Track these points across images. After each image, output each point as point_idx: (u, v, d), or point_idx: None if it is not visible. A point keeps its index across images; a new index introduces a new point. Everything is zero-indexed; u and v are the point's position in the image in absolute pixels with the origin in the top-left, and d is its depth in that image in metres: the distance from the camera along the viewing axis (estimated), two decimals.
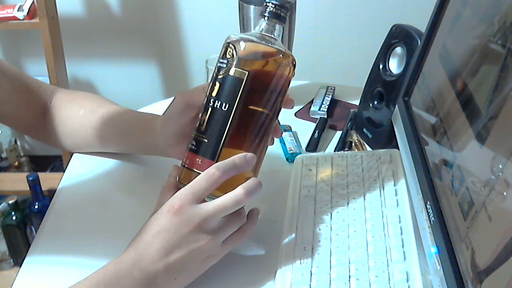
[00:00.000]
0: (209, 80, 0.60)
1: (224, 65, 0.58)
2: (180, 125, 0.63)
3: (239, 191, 0.57)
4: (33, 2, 1.61)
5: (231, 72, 0.57)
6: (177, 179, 0.60)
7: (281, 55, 0.59)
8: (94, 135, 0.76)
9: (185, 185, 0.57)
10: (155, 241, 0.54)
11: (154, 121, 0.70)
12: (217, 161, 0.57)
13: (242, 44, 0.57)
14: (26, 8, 1.60)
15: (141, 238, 0.55)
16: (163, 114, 0.69)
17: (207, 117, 0.58)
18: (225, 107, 0.57)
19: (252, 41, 0.58)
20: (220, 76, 0.58)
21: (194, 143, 0.59)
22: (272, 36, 0.59)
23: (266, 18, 0.59)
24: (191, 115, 0.62)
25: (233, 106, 0.57)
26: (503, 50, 0.50)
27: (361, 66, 0.98)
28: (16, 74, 0.78)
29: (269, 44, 0.58)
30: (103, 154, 0.81)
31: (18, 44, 1.96)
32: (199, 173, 0.57)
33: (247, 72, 0.57)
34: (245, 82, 0.57)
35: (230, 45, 0.58)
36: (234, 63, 0.57)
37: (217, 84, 0.58)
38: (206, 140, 0.58)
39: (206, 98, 0.59)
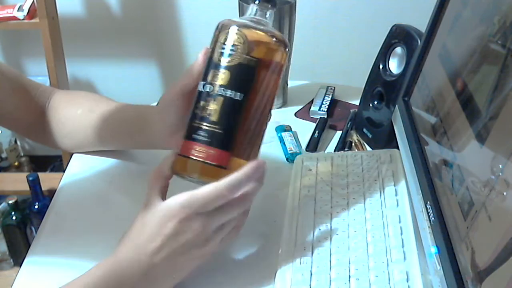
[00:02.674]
0: (208, 65, 0.58)
1: (232, 52, 0.56)
2: (177, 115, 0.63)
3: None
4: (33, 2, 1.61)
5: (242, 60, 0.56)
6: (178, 170, 0.58)
7: (280, 41, 0.58)
8: (93, 134, 0.75)
9: (190, 177, 0.56)
10: (156, 240, 0.54)
11: (151, 116, 0.69)
12: (233, 151, 0.56)
13: (250, 31, 0.57)
14: (26, 8, 1.60)
15: (141, 236, 0.55)
16: (158, 105, 0.68)
17: (218, 107, 0.56)
18: (239, 97, 0.56)
19: (256, 28, 0.58)
20: (228, 64, 0.56)
21: (205, 134, 0.56)
22: (266, 20, 0.59)
23: (258, 2, 0.59)
24: (186, 103, 0.62)
25: (247, 95, 0.56)
26: (503, 50, 0.50)
27: (361, 66, 0.98)
28: (15, 76, 0.78)
29: (270, 30, 0.58)
30: (103, 154, 0.81)
31: (18, 44, 1.96)
32: (213, 165, 0.56)
33: (257, 60, 0.56)
34: (256, 70, 0.56)
35: (238, 31, 0.57)
36: (245, 51, 0.56)
37: (227, 72, 0.56)
38: (221, 131, 0.56)
39: (209, 86, 0.57)
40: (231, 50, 0.57)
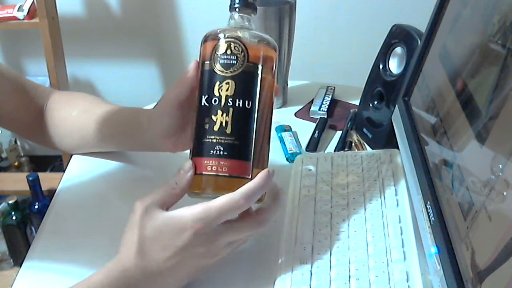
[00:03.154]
0: (206, 78, 0.58)
1: (233, 61, 0.56)
2: (173, 120, 0.63)
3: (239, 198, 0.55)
4: (33, 2, 1.61)
5: (244, 68, 0.56)
6: (198, 190, 0.57)
7: (270, 43, 0.59)
8: (89, 135, 0.75)
9: (216, 195, 0.54)
10: (168, 251, 0.53)
11: (147, 117, 0.69)
12: (253, 161, 0.56)
13: (247, 38, 0.57)
14: (26, 8, 1.60)
15: (148, 243, 0.54)
16: (155, 108, 0.68)
17: (230, 118, 0.56)
18: (248, 105, 0.56)
19: (248, 34, 0.58)
20: (231, 73, 0.56)
21: (222, 148, 0.56)
22: (252, 25, 0.60)
23: (239, 9, 0.59)
24: (182, 110, 0.62)
25: (255, 102, 0.57)
26: (503, 50, 0.50)
27: (361, 66, 0.98)
28: (14, 76, 0.78)
29: (259, 34, 0.58)
30: (103, 154, 0.81)
31: (18, 44, 1.96)
32: (236, 177, 0.55)
33: (257, 65, 0.57)
34: (257, 75, 0.57)
35: (232, 39, 0.57)
36: (245, 58, 0.56)
37: (232, 82, 0.56)
38: (238, 142, 0.56)
39: (215, 98, 0.57)
40: (231, 59, 0.56)
